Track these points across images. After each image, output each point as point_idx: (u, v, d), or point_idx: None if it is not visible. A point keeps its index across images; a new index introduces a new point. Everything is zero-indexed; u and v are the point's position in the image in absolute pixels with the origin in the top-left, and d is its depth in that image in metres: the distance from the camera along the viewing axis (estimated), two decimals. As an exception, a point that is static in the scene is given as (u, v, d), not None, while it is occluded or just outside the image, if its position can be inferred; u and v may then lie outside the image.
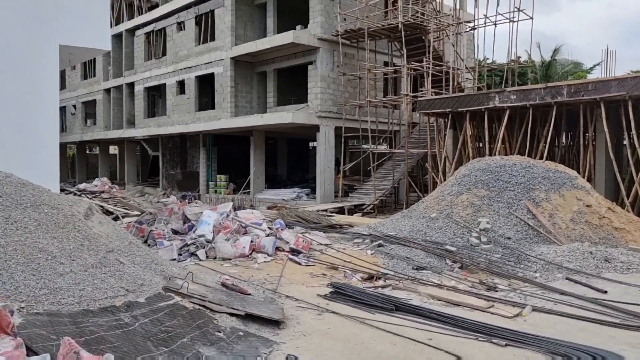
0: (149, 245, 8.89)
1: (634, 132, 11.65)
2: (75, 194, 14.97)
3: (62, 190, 17.28)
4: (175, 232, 9.26)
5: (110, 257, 4.63)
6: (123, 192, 25.07)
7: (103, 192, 21.18)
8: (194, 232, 8.78)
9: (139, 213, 12.53)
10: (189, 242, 8.45)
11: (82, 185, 22.75)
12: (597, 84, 11.95)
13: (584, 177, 11.62)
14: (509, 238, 8.75)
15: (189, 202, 13.73)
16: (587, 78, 32.29)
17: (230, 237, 8.57)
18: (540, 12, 77.29)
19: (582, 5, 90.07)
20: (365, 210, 17.17)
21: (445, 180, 14.10)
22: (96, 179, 25.06)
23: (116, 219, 12.37)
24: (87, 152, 38.25)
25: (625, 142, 12.55)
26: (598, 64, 31.18)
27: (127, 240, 5.30)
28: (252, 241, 8.53)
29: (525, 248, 8.43)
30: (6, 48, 6.76)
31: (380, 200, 17.91)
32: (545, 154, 13.12)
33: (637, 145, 11.72)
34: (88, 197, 14.45)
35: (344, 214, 16.41)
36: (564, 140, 15.74)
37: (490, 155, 13.96)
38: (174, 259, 7.86)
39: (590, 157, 12.79)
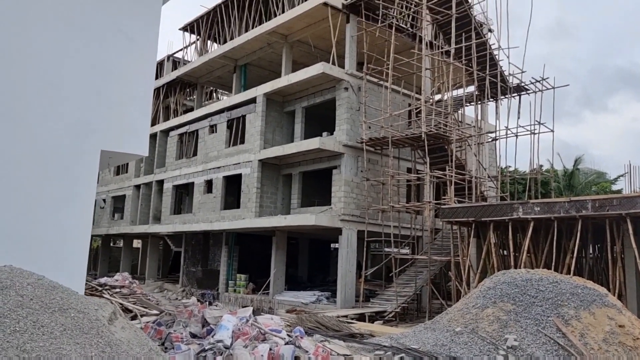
0: (166, 348, 8.75)
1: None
2: (96, 289, 15.00)
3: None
4: (193, 335, 9.10)
5: (129, 365, 4.58)
6: (143, 287, 25.00)
7: (123, 287, 21.21)
8: (212, 336, 8.63)
9: (157, 312, 12.40)
10: (206, 347, 8.27)
11: (103, 280, 22.82)
12: (622, 200, 11.93)
13: (614, 295, 11.27)
14: (538, 358, 8.35)
15: (208, 303, 13.61)
16: (610, 189, 32.27)
17: (248, 343, 8.38)
18: (567, 124, 79.19)
19: (607, 117, 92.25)
20: (386, 318, 16.68)
21: (469, 290, 13.79)
22: (117, 273, 25.21)
23: (134, 317, 12.26)
24: (112, 244, 38.81)
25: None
26: (622, 175, 31.28)
27: (147, 346, 5.26)
28: (270, 349, 8.31)
29: (556, 370, 8.01)
30: (50, 151, 7.19)
31: (402, 307, 17.45)
32: (572, 267, 12.83)
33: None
34: (109, 293, 14.44)
35: (364, 320, 15.98)
36: (591, 252, 15.43)
37: (515, 266, 13.73)
38: (191, 365, 7.67)
39: (619, 273, 12.46)
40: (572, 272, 12.20)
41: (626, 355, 8.45)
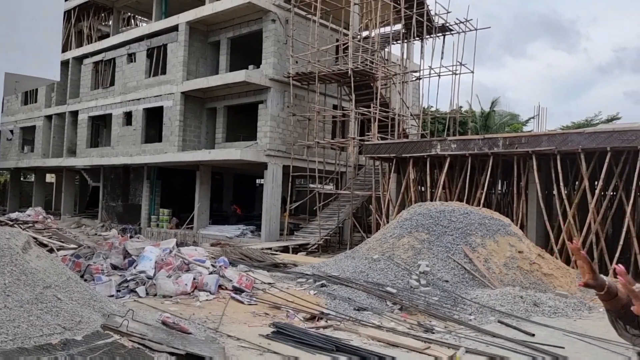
0: (85, 280, 8.61)
1: (561, 183, 12.48)
2: (6, 224, 14.26)
3: (-8, 219, 16.43)
4: (114, 267, 9.01)
5: (47, 292, 4.51)
6: (58, 222, 24.04)
7: (37, 222, 20.28)
8: (134, 267, 8.59)
9: (75, 246, 12.07)
10: (128, 278, 8.25)
11: (14, 215, 21.66)
12: (530, 138, 12.79)
13: (517, 225, 12.27)
14: (447, 281, 9.08)
15: (130, 236, 13.39)
16: (522, 130, 34.35)
17: (172, 274, 8.44)
18: (488, 68, 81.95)
19: (525, 63, 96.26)
20: (309, 250, 17.26)
21: (388, 222, 14.48)
22: (30, 208, 23.98)
23: (50, 251, 11.85)
24: (22, 179, 36.60)
25: (555, 192, 13.40)
26: (533, 117, 33.25)
27: (65, 275, 5.18)
28: (194, 278, 8.43)
29: (462, 291, 8.77)
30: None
31: (325, 239, 18.08)
32: (482, 201, 13.77)
33: (564, 197, 12.55)
34: (21, 228, 13.80)
35: (288, 252, 16.44)
36: (500, 188, 16.59)
37: (431, 199, 14.51)
38: (112, 295, 7.65)
39: (522, 206, 13.54)
40: (481, 205, 13.11)
41: (523, 276, 9.37)
